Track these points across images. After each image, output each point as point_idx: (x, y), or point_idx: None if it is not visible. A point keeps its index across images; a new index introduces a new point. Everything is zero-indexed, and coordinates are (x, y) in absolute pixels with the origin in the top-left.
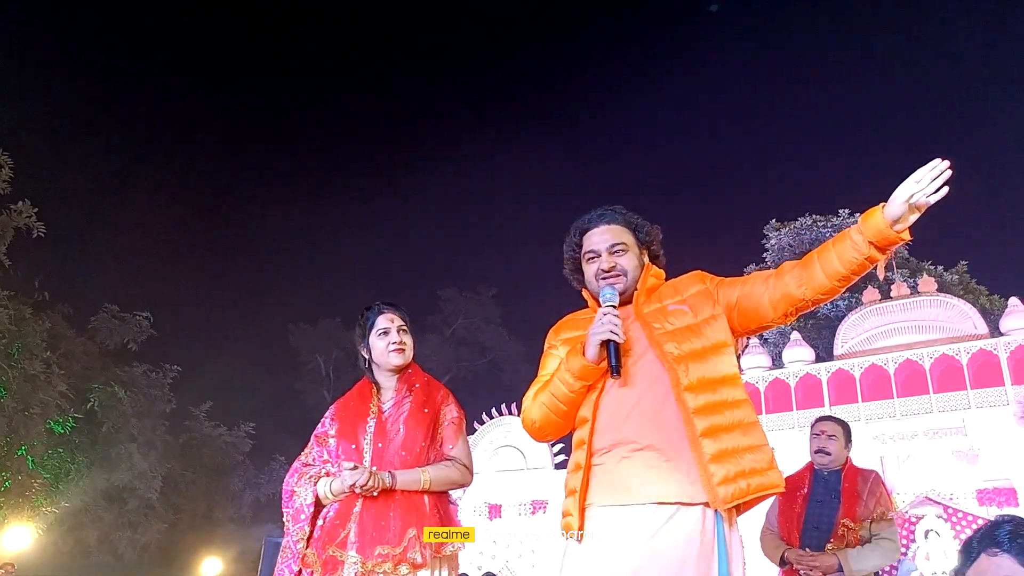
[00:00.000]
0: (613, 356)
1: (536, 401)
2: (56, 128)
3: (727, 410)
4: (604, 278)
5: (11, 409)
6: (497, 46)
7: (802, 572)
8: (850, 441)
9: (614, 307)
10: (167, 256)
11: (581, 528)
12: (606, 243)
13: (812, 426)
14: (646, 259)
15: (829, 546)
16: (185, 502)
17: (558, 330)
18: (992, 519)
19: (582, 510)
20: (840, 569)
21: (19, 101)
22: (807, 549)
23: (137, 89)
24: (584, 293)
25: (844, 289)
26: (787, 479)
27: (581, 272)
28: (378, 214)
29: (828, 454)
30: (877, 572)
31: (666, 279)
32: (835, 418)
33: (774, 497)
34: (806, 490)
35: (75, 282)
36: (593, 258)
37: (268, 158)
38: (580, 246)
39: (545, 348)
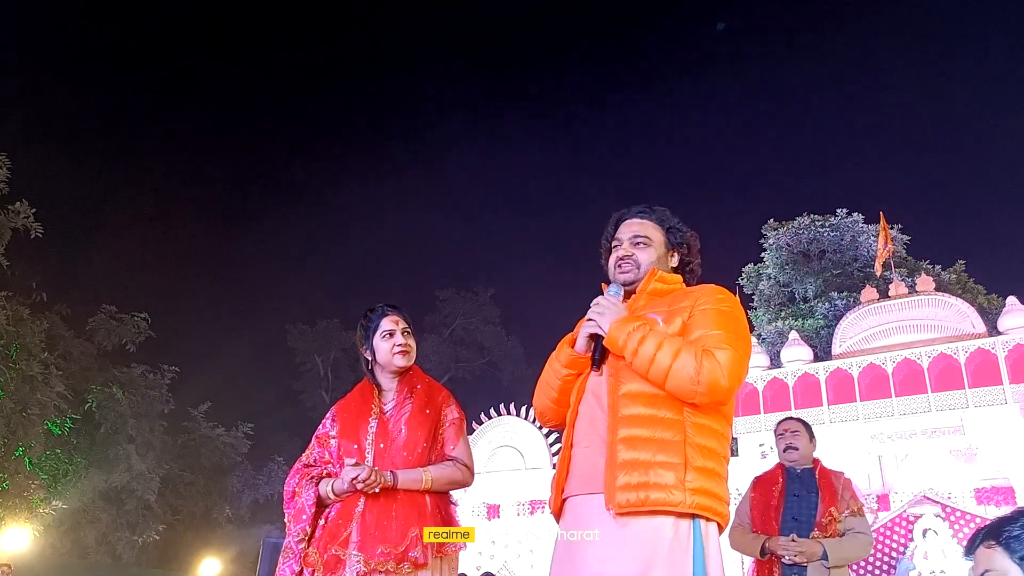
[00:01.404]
0: (597, 350)
1: (537, 386)
2: (55, 128)
3: (656, 426)
4: (617, 266)
5: (9, 410)
6: (498, 46)
7: (786, 559)
8: (813, 437)
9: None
10: (165, 257)
11: (559, 513)
12: (630, 233)
13: (776, 428)
14: (674, 262)
15: (815, 534)
16: (183, 503)
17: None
18: (1010, 513)
19: (560, 490)
20: (824, 557)
21: (18, 101)
22: (793, 535)
23: (135, 90)
24: (603, 287)
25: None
26: (761, 476)
27: None
28: (376, 214)
29: (796, 449)
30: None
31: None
32: (796, 417)
33: (744, 493)
34: (780, 485)
35: (73, 283)
36: (616, 246)
37: (266, 159)
38: (614, 236)
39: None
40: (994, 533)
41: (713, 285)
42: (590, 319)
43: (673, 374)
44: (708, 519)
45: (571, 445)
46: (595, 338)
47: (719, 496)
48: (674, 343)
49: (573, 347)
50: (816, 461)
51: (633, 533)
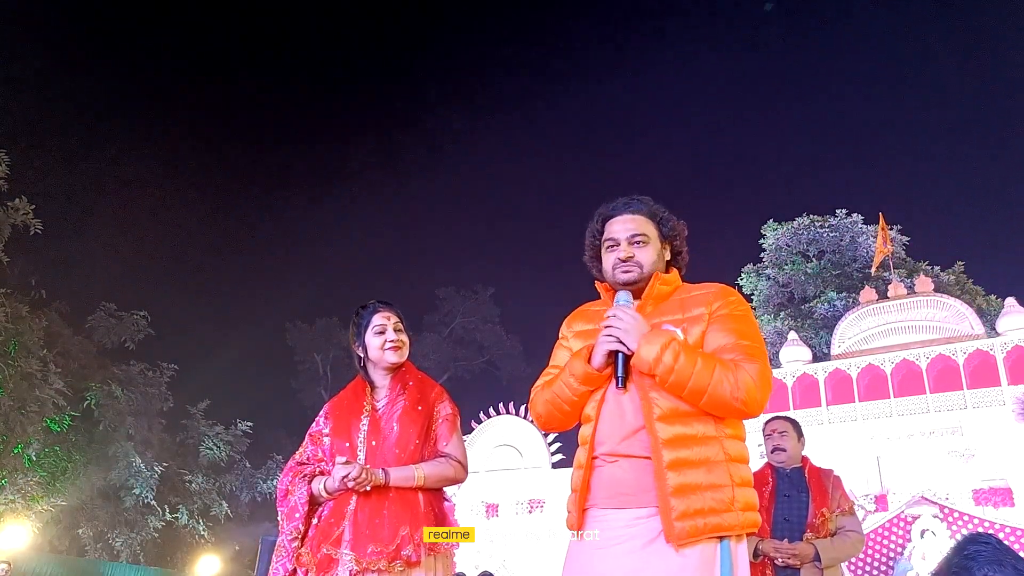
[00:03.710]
0: (620, 367)
1: (542, 396)
2: (54, 125)
3: (696, 445)
4: (619, 268)
5: (8, 407)
6: (502, 44)
7: (779, 562)
8: (802, 436)
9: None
10: (165, 255)
11: (580, 527)
12: (627, 232)
13: (763, 428)
14: (668, 255)
15: (807, 536)
16: (181, 500)
17: (571, 321)
18: (956, 544)
19: (581, 510)
20: (816, 558)
21: (17, 97)
22: (786, 540)
23: (134, 87)
24: (598, 286)
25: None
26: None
27: (600, 260)
28: (376, 213)
29: (784, 450)
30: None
31: (684, 279)
32: (783, 416)
33: None
34: (771, 486)
35: (73, 280)
36: (612, 247)
37: (265, 158)
38: (601, 233)
39: (558, 338)
40: (943, 572)
41: (721, 286)
42: (609, 334)
43: (711, 393)
44: (749, 535)
45: (592, 459)
46: (616, 354)
47: (756, 506)
48: (708, 361)
49: (588, 361)
50: (805, 459)
51: (660, 551)
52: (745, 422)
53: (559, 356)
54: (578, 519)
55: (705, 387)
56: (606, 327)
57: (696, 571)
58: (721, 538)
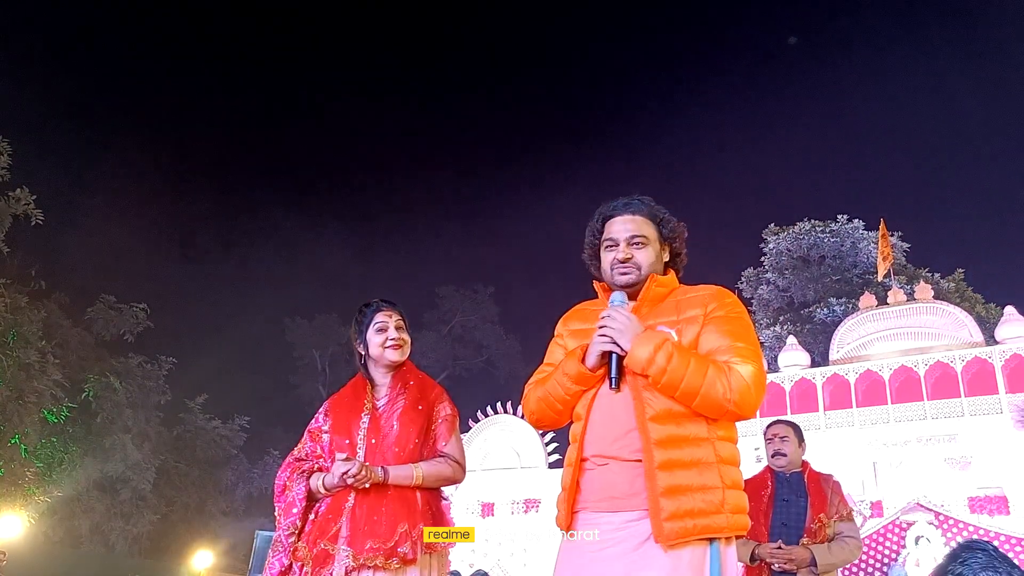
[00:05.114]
0: (613, 368)
1: (535, 394)
2: (56, 116)
3: (688, 446)
4: (618, 269)
5: (5, 397)
6: (511, 47)
7: (775, 567)
8: (803, 441)
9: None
10: (165, 248)
11: (570, 527)
12: (627, 233)
13: (765, 432)
14: (666, 256)
15: (804, 541)
16: (178, 494)
17: (567, 320)
18: (953, 549)
19: (571, 510)
20: (813, 563)
21: (19, 88)
22: (781, 544)
23: (136, 80)
24: (596, 285)
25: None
26: (749, 480)
27: (599, 259)
28: (376, 211)
29: (784, 455)
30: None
31: (683, 280)
32: (785, 420)
33: None
34: (770, 490)
35: (72, 272)
36: (611, 247)
37: (266, 153)
38: (601, 232)
39: (553, 336)
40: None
41: (717, 287)
42: (604, 335)
43: (703, 395)
44: (738, 537)
45: (582, 460)
46: (610, 354)
47: (746, 509)
48: (700, 362)
49: (583, 361)
50: (805, 464)
51: (650, 554)
52: (743, 425)
53: (554, 354)
54: (567, 519)
55: (698, 388)
56: (600, 327)
57: (685, 573)
58: (710, 540)
